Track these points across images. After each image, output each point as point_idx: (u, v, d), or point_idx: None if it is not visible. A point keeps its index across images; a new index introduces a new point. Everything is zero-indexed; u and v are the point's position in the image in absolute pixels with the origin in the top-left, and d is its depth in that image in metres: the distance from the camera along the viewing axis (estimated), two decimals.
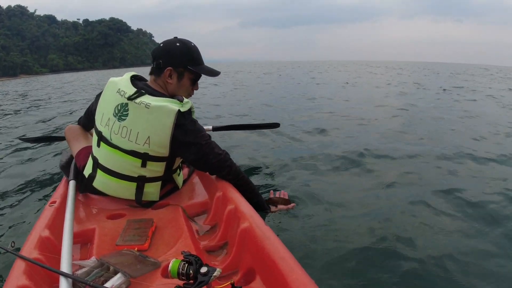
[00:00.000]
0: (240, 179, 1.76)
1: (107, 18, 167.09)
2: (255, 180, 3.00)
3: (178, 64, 1.69)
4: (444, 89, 11.58)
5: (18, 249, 1.29)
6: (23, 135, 4.04)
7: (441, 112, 6.72)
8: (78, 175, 1.92)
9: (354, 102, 8.53)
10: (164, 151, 1.64)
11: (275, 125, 3.61)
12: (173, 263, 0.99)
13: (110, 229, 1.54)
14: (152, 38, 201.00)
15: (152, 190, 1.76)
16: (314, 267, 1.74)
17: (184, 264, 0.99)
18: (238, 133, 4.63)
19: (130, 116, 1.62)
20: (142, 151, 1.63)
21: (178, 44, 1.70)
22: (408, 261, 1.85)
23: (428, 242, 2.06)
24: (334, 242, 2.01)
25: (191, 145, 1.64)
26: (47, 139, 3.62)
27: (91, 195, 1.87)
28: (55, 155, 3.99)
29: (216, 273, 0.96)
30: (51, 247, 1.38)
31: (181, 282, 0.99)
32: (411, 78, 18.57)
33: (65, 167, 2.16)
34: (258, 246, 1.21)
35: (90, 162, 1.84)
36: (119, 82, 1.72)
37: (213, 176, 1.89)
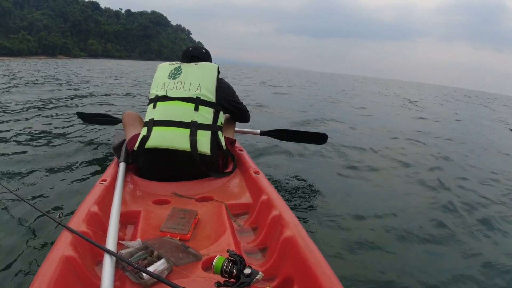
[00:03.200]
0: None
1: (149, 11, 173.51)
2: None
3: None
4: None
5: (67, 221, 1.34)
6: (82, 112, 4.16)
7: None
8: (128, 158, 2.02)
9: None
10: (212, 96, 2.02)
11: (323, 138, 3.43)
12: (218, 259, 1.00)
13: (155, 213, 1.57)
14: (190, 35, 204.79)
15: (203, 139, 1.94)
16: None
17: (228, 262, 0.99)
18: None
19: (183, 73, 2.06)
20: (195, 96, 1.98)
21: (205, 51, 2.32)
22: None
23: None
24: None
25: (228, 96, 2.20)
26: (103, 119, 3.76)
27: (138, 179, 1.93)
28: (110, 137, 4.15)
29: (259, 276, 0.96)
30: (98, 223, 1.43)
31: (222, 279, 0.99)
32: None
33: (117, 149, 2.24)
34: (300, 257, 1.19)
35: (144, 130, 1.99)
36: (168, 63, 2.20)
37: (257, 178, 1.90)
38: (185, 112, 1.94)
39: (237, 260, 0.98)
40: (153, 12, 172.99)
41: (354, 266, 1.99)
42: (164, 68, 2.16)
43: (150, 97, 2.11)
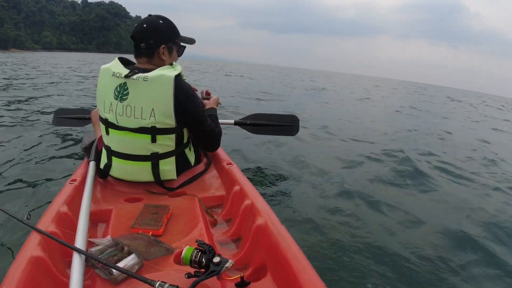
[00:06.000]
0: (220, 135, 2.00)
1: (107, 1, 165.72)
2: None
3: (168, 40, 1.79)
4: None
5: (35, 222, 1.31)
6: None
7: None
8: (99, 157, 1.95)
9: None
10: (170, 121, 1.68)
11: (294, 122, 3.40)
12: (187, 250, 0.99)
13: (126, 211, 1.55)
14: None
15: (168, 168, 1.78)
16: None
17: (197, 252, 0.99)
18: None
19: (131, 94, 1.64)
20: (149, 126, 1.66)
21: (161, 21, 1.77)
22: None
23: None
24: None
25: (190, 112, 1.74)
26: (76, 117, 3.65)
27: (110, 178, 1.89)
28: (80, 137, 4.08)
29: (228, 264, 0.96)
30: (68, 222, 1.40)
31: (192, 270, 0.99)
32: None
33: (87, 149, 2.19)
34: (271, 244, 1.20)
35: (104, 153, 1.85)
36: (111, 66, 1.74)
37: (230, 170, 1.90)
38: (142, 146, 1.70)
39: (205, 250, 0.98)
40: (111, 3, 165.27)
41: (325, 248, 2.12)
42: (107, 78, 1.72)
43: (99, 114, 1.80)
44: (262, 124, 3.36)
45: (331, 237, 2.22)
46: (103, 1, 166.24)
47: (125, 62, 1.82)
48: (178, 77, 1.67)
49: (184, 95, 1.68)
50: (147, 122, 1.65)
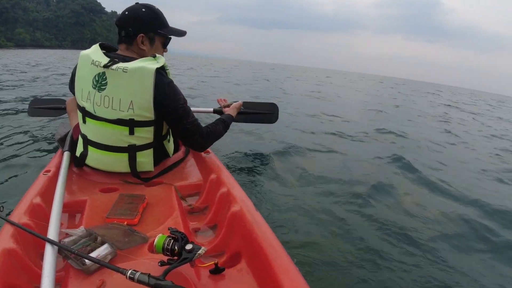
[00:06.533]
0: (211, 138, 1.90)
1: None
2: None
3: (149, 30, 1.70)
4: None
5: (8, 214, 1.30)
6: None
7: None
8: (74, 147, 1.91)
9: None
10: (149, 115, 1.64)
11: (274, 109, 3.42)
12: (159, 238, 0.99)
13: (101, 201, 1.54)
14: None
15: (145, 160, 1.75)
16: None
17: (170, 239, 0.99)
18: None
19: (110, 84, 1.59)
20: (127, 118, 1.62)
21: (144, 9, 1.69)
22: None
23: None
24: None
25: (169, 107, 1.65)
26: (52, 107, 3.58)
27: (86, 168, 1.86)
28: (54, 128, 4.00)
29: (201, 251, 0.96)
30: (41, 214, 1.39)
31: (165, 258, 0.99)
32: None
33: (62, 139, 2.15)
34: (246, 230, 1.21)
35: (80, 141, 1.81)
36: (91, 53, 1.68)
37: (208, 158, 1.91)
38: (119, 138, 1.67)
39: (178, 237, 0.98)
40: None
41: (301, 234, 2.17)
42: (86, 65, 1.67)
43: (77, 102, 1.76)
44: (241, 112, 3.34)
45: (307, 224, 2.27)
46: None
47: (106, 48, 1.76)
48: (159, 70, 1.61)
49: (164, 89, 1.62)
50: (125, 114, 1.61)
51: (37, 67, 15.76)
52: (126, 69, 1.56)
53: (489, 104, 21.03)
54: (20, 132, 3.96)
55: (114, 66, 1.58)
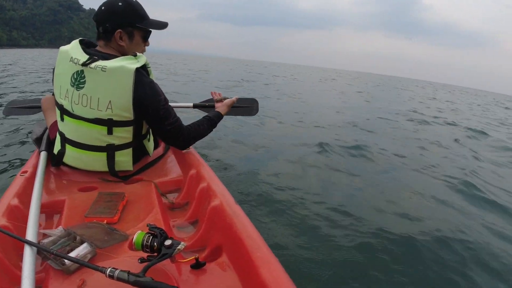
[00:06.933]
0: (194, 138, 1.85)
1: None
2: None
3: (127, 24, 1.63)
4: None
5: None
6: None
7: None
8: (51, 147, 1.88)
9: None
10: (128, 115, 1.61)
11: (254, 104, 3.45)
12: (138, 235, 1.00)
13: (80, 201, 1.52)
14: None
15: (124, 159, 1.73)
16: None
17: (148, 236, 0.99)
18: None
19: (88, 83, 1.56)
20: (106, 118, 1.59)
21: (120, 3, 1.60)
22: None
23: None
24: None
25: (149, 108, 1.62)
26: (27, 106, 3.51)
27: (63, 167, 1.84)
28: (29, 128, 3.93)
29: (180, 246, 0.97)
30: (19, 215, 1.37)
31: (145, 254, 1.00)
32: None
33: (38, 139, 2.11)
34: (226, 224, 1.23)
35: (57, 138, 1.79)
36: (70, 50, 1.63)
37: (188, 154, 1.90)
38: (97, 137, 1.64)
39: (157, 233, 0.99)
40: None
41: (279, 226, 2.23)
42: (65, 62, 1.63)
43: (56, 99, 1.73)
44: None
45: (287, 216, 2.31)
46: None
47: (86, 44, 1.71)
48: (139, 70, 1.58)
49: (144, 89, 1.58)
50: (103, 114, 1.58)
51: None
52: (105, 68, 1.52)
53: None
54: None
55: (92, 65, 1.54)
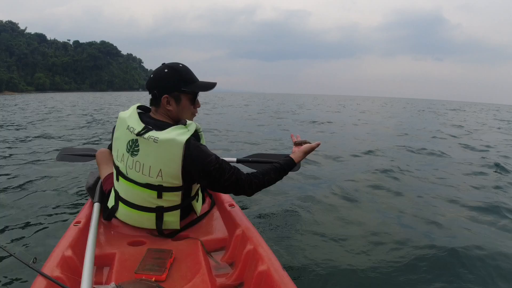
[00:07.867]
0: (263, 185, 1.77)
1: (98, 41, 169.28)
2: None
3: (172, 89, 1.71)
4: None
5: (40, 266, 1.33)
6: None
7: None
8: (104, 198, 1.97)
9: None
10: (178, 182, 1.67)
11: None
12: None
13: (130, 255, 1.56)
14: (142, 64, 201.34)
15: (171, 219, 1.78)
16: None
17: None
18: None
19: (141, 151, 1.65)
20: (156, 184, 1.67)
21: (166, 70, 1.71)
22: None
23: None
24: None
25: (200, 173, 1.64)
26: (82, 154, 3.69)
27: (114, 220, 1.90)
28: (84, 177, 4.10)
29: None
30: (72, 267, 1.42)
31: None
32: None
33: (91, 189, 2.21)
34: None
35: (112, 194, 1.89)
36: (128, 118, 1.74)
37: (233, 211, 1.92)
38: (147, 199, 1.71)
39: None
40: (103, 42, 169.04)
41: None
42: (122, 129, 1.74)
43: (113, 159, 1.84)
44: (262, 161, 3.36)
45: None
46: (94, 41, 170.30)
47: (143, 109, 1.84)
48: (188, 141, 1.62)
49: (191, 158, 1.61)
50: (154, 180, 1.66)
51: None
52: (157, 140, 1.60)
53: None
54: (50, 179, 4.09)
55: (146, 135, 1.62)
